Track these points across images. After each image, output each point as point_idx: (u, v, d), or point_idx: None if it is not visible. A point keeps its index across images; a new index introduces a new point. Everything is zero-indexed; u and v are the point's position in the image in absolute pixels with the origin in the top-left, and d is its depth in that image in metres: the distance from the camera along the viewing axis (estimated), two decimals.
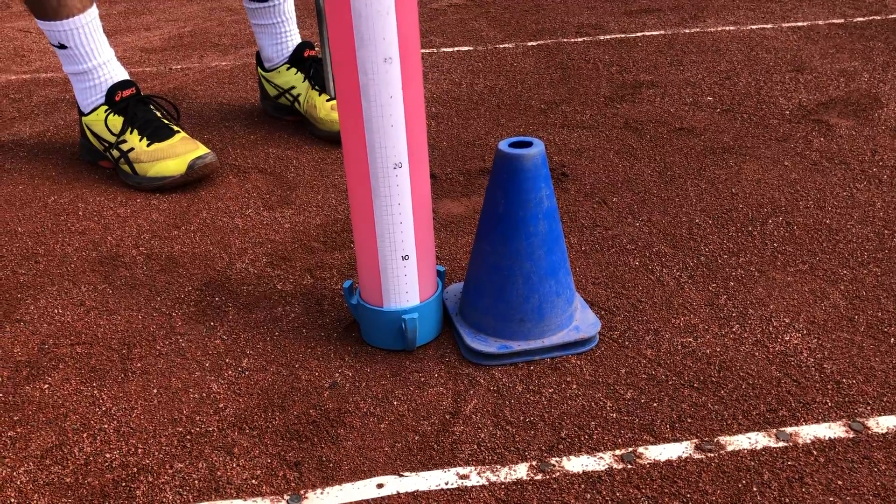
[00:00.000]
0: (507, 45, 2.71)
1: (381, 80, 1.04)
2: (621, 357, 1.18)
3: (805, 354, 1.16)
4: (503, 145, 1.13)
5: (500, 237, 1.15)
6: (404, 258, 1.16)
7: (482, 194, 1.69)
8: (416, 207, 1.14)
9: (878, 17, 2.75)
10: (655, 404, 1.09)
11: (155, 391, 1.16)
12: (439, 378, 1.15)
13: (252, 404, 1.12)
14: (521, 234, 1.14)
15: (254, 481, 0.99)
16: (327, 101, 1.95)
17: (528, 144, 1.13)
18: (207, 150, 1.77)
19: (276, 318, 1.31)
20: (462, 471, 0.99)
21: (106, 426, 1.10)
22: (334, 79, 1.08)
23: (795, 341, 1.19)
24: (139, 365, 1.22)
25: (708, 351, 1.18)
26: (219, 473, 1.01)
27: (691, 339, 1.21)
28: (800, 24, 2.74)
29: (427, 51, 2.69)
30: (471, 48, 2.71)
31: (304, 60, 2.01)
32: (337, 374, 1.17)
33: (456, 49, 2.71)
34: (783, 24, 2.75)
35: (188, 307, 1.35)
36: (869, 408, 1.06)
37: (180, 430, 1.08)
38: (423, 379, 1.15)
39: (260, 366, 1.20)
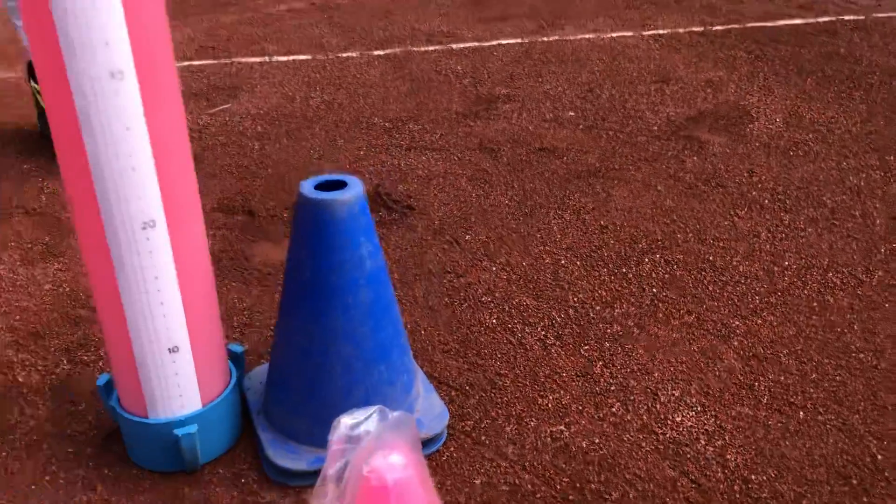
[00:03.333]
0: (350, 54, 2.41)
1: (109, 104, 0.71)
2: (476, 459, 0.90)
3: (703, 442, 0.92)
4: (307, 187, 0.83)
5: (308, 312, 0.85)
6: (172, 350, 0.83)
7: None
8: (184, 280, 0.81)
9: (737, 26, 2.64)
10: None
11: None
12: None
13: None
14: (337, 308, 0.84)
15: None
16: None
17: (341, 185, 0.84)
18: None
19: (7, 429, 0.95)
20: None
21: None
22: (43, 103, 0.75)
23: (689, 423, 0.95)
24: None
25: (584, 444, 0.92)
26: None
27: (562, 428, 0.95)
28: (660, 31, 2.59)
29: (257, 59, 2.35)
30: (309, 57, 2.39)
31: None
32: None
33: (291, 58, 2.38)
34: (644, 32, 2.59)
35: None
36: None
37: None
38: None
39: None
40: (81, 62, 0.68)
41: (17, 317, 1.16)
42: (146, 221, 0.77)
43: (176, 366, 0.84)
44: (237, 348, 0.96)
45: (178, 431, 0.84)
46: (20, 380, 1.03)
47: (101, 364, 1.06)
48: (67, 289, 1.22)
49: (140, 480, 0.88)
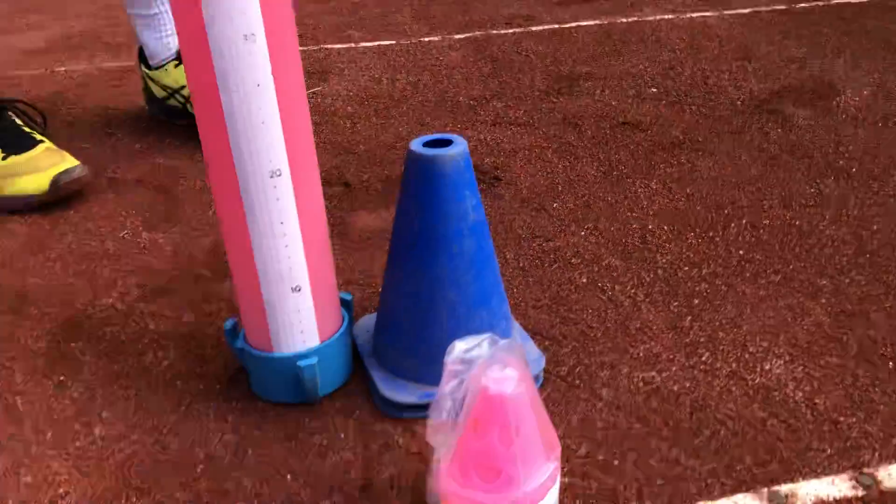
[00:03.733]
0: (432, 38, 2.48)
1: (243, 63, 0.79)
2: (572, 400, 0.96)
3: (791, 387, 0.96)
4: (416, 145, 0.90)
5: (416, 260, 0.92)
6: (295, 290, 0.92)
7: None
8: (305, 225, 0.90)
9: (821, 3, 2.61)
10: (617, 462, 0.86)
11: None
12: (346, 440, 0.91)
13: (102, 487, 0.86)
14: (443, 256, 0.91)
15: None
16: None
17: (448, 143, 0.90)
18: (76, 163, 1.49)
19: (144, 369, 1.05)
20: None
21: None
22: (183, 65, 0.84)
23: (778, 371, 0.99)
24: None
25: (676, 388, 0.97)
26: None
27: (654, 374, 0.99)
28: (741, 10, 2.59)
29: (344, 46, 2.45)
30: (393, 42, 2.47)
31: None
32: (216, 442, 0.92)
33: (376, 43, 2.47)
34: (724, 12, 2.59)
35: (35, 358, 1.08)
36: (877, 455, 0.86)
37: None
38: (325, 442, 0.91)
39: (118, 433, 0.94)
40: (220, 27, 0.77)
41: (144, 275, 1.26)
42: (273, 171, 0.85)
43: (298, 304, 0.92)
44: (347, 296, 1.04)
45: (301, 363, 0.93)
46: (151, 327, 1.13)
47: (221, 315, 1.15)
48: (187, 252, 1.33)
49: (265, 412, 0.96)
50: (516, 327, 1.04)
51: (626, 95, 1.92)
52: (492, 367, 0.70)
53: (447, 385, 0.73)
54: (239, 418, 0.95)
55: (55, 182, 1.45)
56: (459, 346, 0.74)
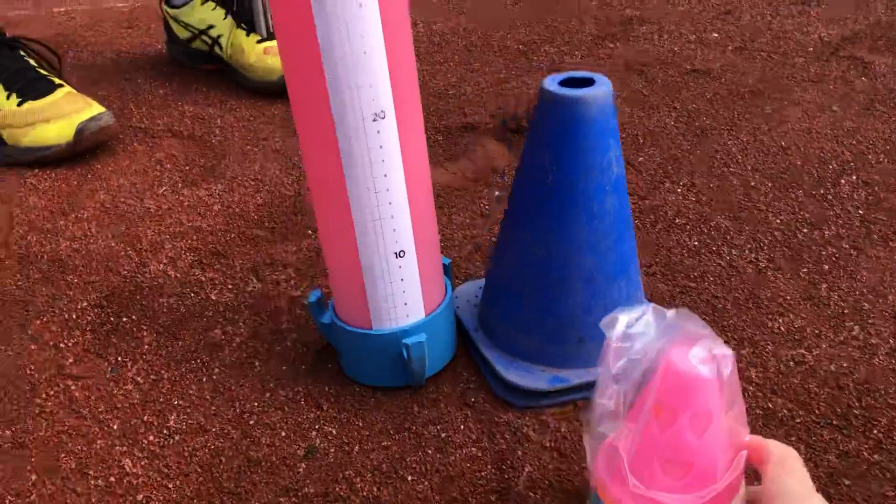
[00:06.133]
0: None
1: None
2: None
3: None
4: (551, 84, 0.76)
5: (548, 221, 0.78)
6: (398, 255, 0.78)
7: (469, 156, 1.31)
8: (410, 177, 0.76)
9: None
10: None
11: (34, 478, 0.75)
12: (467, 433, 0.78)
13: (189, 492, 0.73)
14: (581, 217, 0.77)
15: None
16: (258, 42, 1.53)
17: (588, 82, 0.76)
18: (102, 109, 1.33)
19: (213, 346, 0.91)
20: None
21: None
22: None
23: None
24: (8, 433, 0.81)
25: (832, 368, 0.85)
26: None
27: (804, 352, 0.87)
28: None
29: None
30: None
31: None
32: (314, 434, 0.79)
33: None
34: None
35: (83, 334, 0.94)
36: None
37: None
38: (444, 435, 0.78)
39: (196, 424, 0.81)
40: None
41: (194, 237, 1.12)
42: (377, 112, 0.71)
43: (402, 271, 0.78)
44: (446, 260, 0.91)
45: (407, 341, 0.79)
46: (213, 298, 0.99)
47: (290, 283, 1.01)
48: (237, 210, 1.18)
49: (363, 397, 0.83)
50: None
51: (686, 41, 1.77)
52: (680, 344, 0.57)
53: (614, 365, 0.60)
54: (335, 406, 0.82)
55: (80, 131, 1.28)
56: (622, 320, 0.61)
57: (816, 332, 0.90)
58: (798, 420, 0.79)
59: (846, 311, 0.93)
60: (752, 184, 1.20)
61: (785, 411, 0.80)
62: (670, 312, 0.60)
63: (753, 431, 0.76)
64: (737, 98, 1.49)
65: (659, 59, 1.68)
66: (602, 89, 0.75)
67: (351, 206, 0.75)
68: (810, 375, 0.84)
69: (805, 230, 1.09)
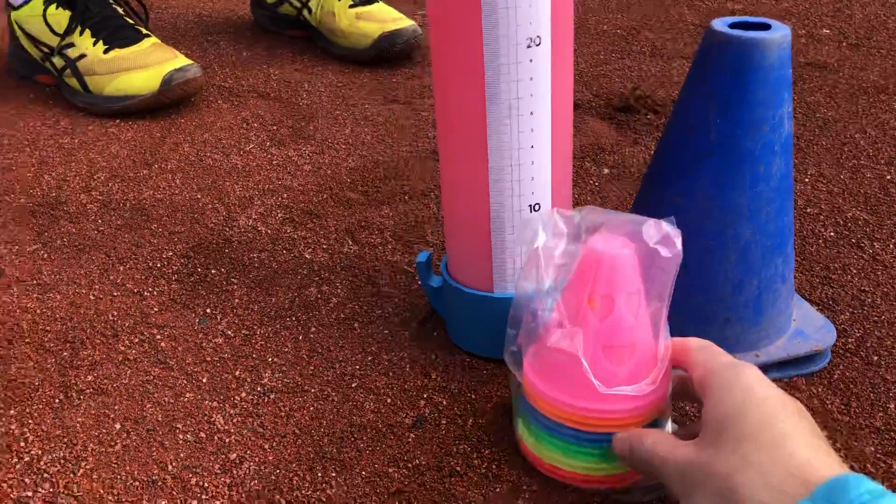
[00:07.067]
0: None
1: None
2: (878, 382, 0.74)
3: None
4: (720, 25, 0.67)
5: (707, 181, 0.69)
6: (534, 208, 0.70)
7: (575, 134, 1.22)
8: (556, 120, 0.68)
9: None
10: None
11: (118, 427, 0.68)
12: None
13: (286, 456, 0.65)
14: (746, 179, 0.68)
15: None
16: (350, 6, 1.46)
17: (765, 27, 0.67)
18: (189, 62, 1.27)
19: (309, 305, 0.84)
20: None
21: (28, 494, 0.62)
22: None
23: None
24: (89, 379, 0.74)
25: None
26: None
27: None
28: None
29: None
30: None
31: None
32: (423, 403, 0.71)
33: None
34: None
35: (168, 283, 0.87)
36: None
37: None
38: None
39: (293, 384, 0.73)
40: None
41: (285, 195, 1.05)
42: (532, 37, 0.63)
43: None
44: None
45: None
46: (307, 256, 0.92)
47: (388, 248, 0.94)
48: (329, 171, 1.11)
49: (474, 369, 0.75)
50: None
51: (797, 35, 1.67)
52: (603, 236, 0.58)
53: (547, 273, 0.60)
54: (444, 376, 0.74)
55: (167, 81, 1.23)
56: (541, 232, 0.60)
57: None
58: None
59: None
60: (888, 178, 1.10)
61: None
62: (573, 212, 0.60)
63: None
64: (859, 93, 1.38)
65: None
66: (781, 33, 0.65)
67: (489, 147, 0.67)
68: None
69: None
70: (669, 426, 0.62)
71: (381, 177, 1.10)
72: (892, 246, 0.95)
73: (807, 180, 1.10)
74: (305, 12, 1.53)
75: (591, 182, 1.09)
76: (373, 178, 1.09)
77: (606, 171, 1.12)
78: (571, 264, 0.58)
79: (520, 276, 0.62)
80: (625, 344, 0.57)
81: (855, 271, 0.90)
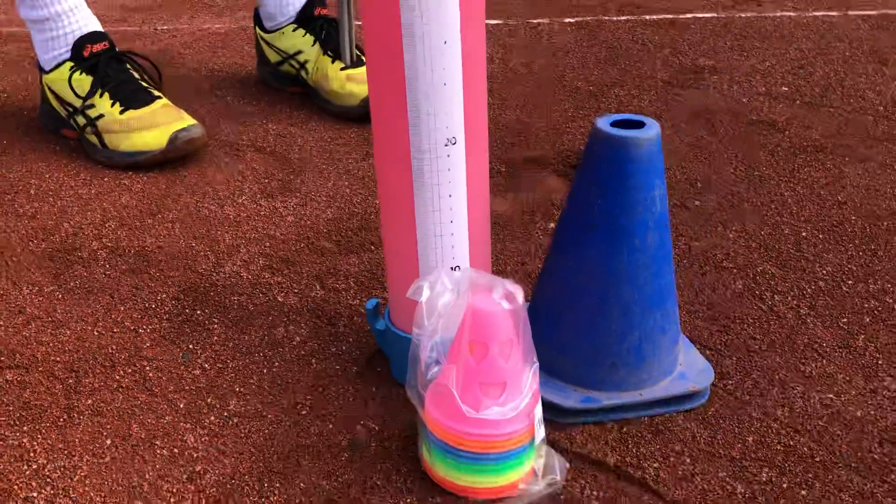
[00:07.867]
0: (541, 20, 2.39)
1: (433, 15, 0.72)
2: (744, 418, 0.87)
3: None
4: (603, 124, 0.82)
5: (591, 252, 0.84)
6: (454, 269, 0.85)
7: (530, 188, 1.38)
8: (472, 201, 0.83)
9: None
10: (805, 492, 0.78)
11: (108, 442, 0.84)
12: None
13: (241, 469, 0.81)
14: (623, 249, 0.83)
15: None
16: (342, 69, 1.63)
17: (637, 125, 0.82)
18: (194, 122, 1.44)
19: (276, 343, 0.99)
20: None
21: (33, 495, 0.78)
22: (362, 16, 0.77)
23: None
24: (89, 402, 0.90)
25: (859, 414, 0.88)
26: None
27: (832, 397, 0.90)
28: (869, 12, 2.44)
29: None
30: (500, 21, 2.39)
31: (315, 20, 1.68)
32: (359, 428, 0.86)
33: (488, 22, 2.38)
34: (850, 13, 2.44)
35: (160, 322, 1.04)
36: None
37: None
38: None
39: (254, 410, 0.89)
40: None
41: (267, 244, 1.21)
42: (449, 138, 0.78)
43: None
44: None
45: None
46: (280, 299, 1.08)
47: (350, 292, 1.09)
48: (308, 222, 1.27)
49: (407, 400, 0.89)
50: (681, 334, 0.96)
51: (756, 93, 1.81)
52: (477, 292, 0.73)
53: (429, 322, 0.75)
54: (381, 405, 0.89)
55: (173, 139, 1.40)
56: (426, 287, 0.75)
57: (847, 379, 0.93)
58: (818, 458, 0.82)
59: (881, 363, 0.96)
60: (804, 234, 1.23)
61: (805, 449, 0.83)
62: (457, 273, 0.76)
63: (774, 469, 0.80)
64: (799, 151, 1.52)
65: (726, 108, 1.72)
66: (651, 132, 0.80)
67: (417, 224, 0.82)
68: (835, 419, 0.87)
69: (850, 282, 1.11)
70: (544, 450, 0.76)
71: (354, 227, 1.26)
72: (790, 298, 1.08)
73: (731, 236, 1.23)
74: (303, 72, 1.70)
75: (536, 236, 1.24)
76: (346, 228, 1.25)
77: (552, 225, 1.27)
78: (454, 314, 0.73)
79: (414, 324, 0.77)
80: (497, 382, 0.72)
81: (751, 321, 1.04)
